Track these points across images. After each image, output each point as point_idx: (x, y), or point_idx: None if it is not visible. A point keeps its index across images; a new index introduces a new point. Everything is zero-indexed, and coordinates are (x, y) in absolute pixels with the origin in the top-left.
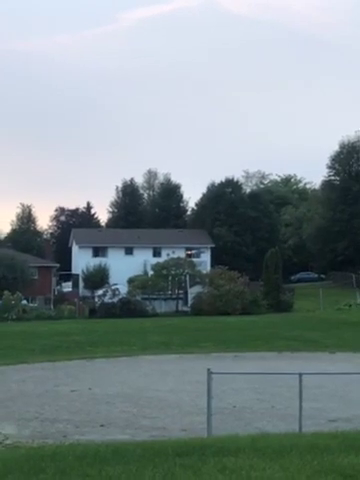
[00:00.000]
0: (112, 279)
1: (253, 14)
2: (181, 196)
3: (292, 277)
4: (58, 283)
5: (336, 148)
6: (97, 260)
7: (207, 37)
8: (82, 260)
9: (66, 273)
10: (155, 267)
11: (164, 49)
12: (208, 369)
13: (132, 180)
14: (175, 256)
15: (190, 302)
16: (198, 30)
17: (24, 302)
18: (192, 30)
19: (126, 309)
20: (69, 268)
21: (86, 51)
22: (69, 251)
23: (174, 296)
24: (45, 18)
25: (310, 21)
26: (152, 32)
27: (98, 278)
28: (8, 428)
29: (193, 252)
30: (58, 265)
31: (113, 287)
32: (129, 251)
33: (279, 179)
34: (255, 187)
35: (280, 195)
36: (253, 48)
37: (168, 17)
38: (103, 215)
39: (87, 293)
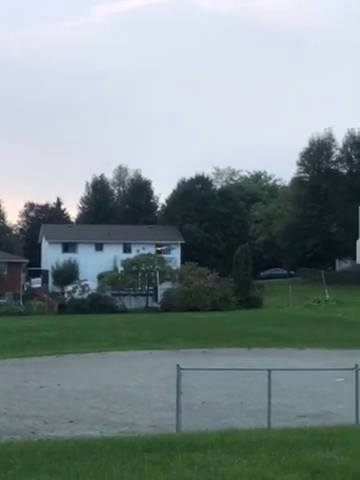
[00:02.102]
0: (82, 275)
1: (224, 10)
2: (151, 192)
3: (262, 273)
4: (27, 279)
5: (306, 145)
6: (67, 256)
7: (178, 33)
8: (52, 256)
9: (35, 269)
10: (125, 263)
11: (134, 45)
12: (177, 365)
13: (102, 176)
14: (145, 252)
15: (160, 298)
16: (169, 26)
17: None
18: (163, 26)
19: (96, 305)
20: (38, 264)
21: (57, 45)
22: (39, 247)
23: (144, 292)
24: (16, 10)
25: (281, 19)
26: (123, 27)
27: (68, 274)
28: None
29: (163, 248)
30: (27, 261)
31: (83, 283)
32: (99, 247)
33: (249, 176)
34: (225, 184)
35: (250, 192)
36: (222, 45)
37: (139, 12)
38: (73, 211)
39: (57, 289)
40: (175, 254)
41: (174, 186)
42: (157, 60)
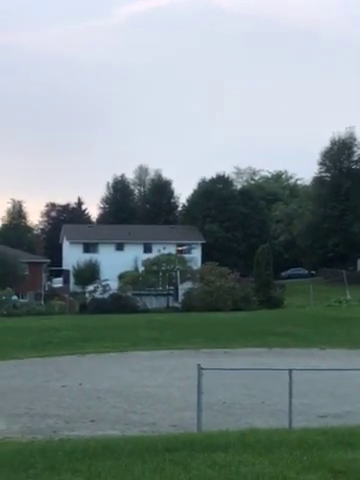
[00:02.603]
0: (103, 275)
1: (247, 9)
2: (172, 192)
3: (283, 273)
4: (49, 279)
5: (327, 144)
6: (88, 256)
7: (200, 33)
8: (73, 256)
9: (57, 269)
10: (146, 263)
11: (157, 44)
12: (198, 365)
13: (123, 176)
14: (166, 252)
15: (181, 298)
16: (191, 26)
17: (15, 298)
18: (185, 26)
19: (117, 305)
20: (60, 264)
21: (79, 46)
22: (60, 247)
23: (165, 292)
24: (38, 11)
25: (307, 17)
26: (145, 27)
27: (89, 274)
28: None
29: (184, 248)
30: (49, 261)
31: (104, 283)
32: (120, 247)
33: (270, 175)
34: (246, 183)
35: (271, 191)
36: (246, 44)
37: (162, 12)
38: (94, 211)
39: (78, 289)
40: (196, 254)
41: (195, 186)
42: (177, 59)
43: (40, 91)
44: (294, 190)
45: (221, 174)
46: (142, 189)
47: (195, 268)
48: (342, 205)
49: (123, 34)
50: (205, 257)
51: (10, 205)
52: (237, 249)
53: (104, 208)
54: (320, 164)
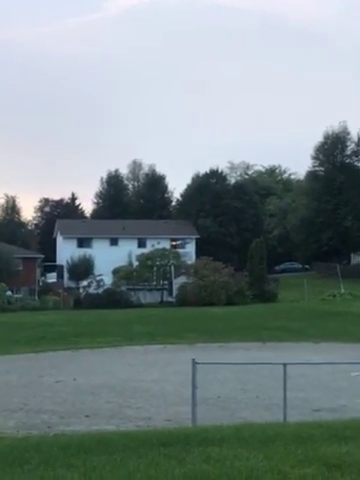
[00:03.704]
0: (97, 270)
1: (241, 3)
2: (166, 187)
3: (276, 267)
4: (43, 274)
5: (320, 139)
6: (82, 251)
7: (192, 26)
8: (67, 251)
9: (51, 264)
10: (140, 258)
11: (148, 39)
12: (193, 359)
13: (117, 171)
14: (160, 247)
15: (175, 293)
16: (185, 19)
17: (9, 293)
18: (178, 19)
19: (111, 300)
20: (54, 259)
21: (72, 41)
22: (54, 242)
23: (159, 287)
24: (28, 7)
25: (301, 12)
26: (138, 21)
27: (83, 269)
28: None
29: (178, 243)
30: (43, 256)
31: (98, 278)
32: (114, 242)
33: (264, 170)
34: (240, 178)
35: (265, 186)
36: (239, 38)
37: (155, 5)
38: (88, 206)
39: (72, 284)
40: (190, 248)
41: (188, 181)
42: (170, 54)
43: (34, 87)
44: (288, 184)
45: (215, 169)
46: (136, 184)
47: (189, 263)
48: (336, 199)
49: (116, 29)
50: (199, 252)
51: (3, 200)
52: (231, 243)
53: (98, 203)
54: (313, 158)
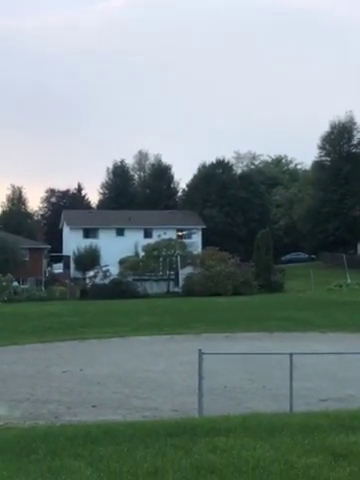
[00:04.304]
0: (103, 260)
1: None
2: (172, 177)
3: (283, 258)
4: (49, 265)
5: (327, 129)
6: (88, 241)
7: (198, 17)
8: (73, 241)
9: (57, 255)
10: (146, 248)
11: (154, 29)
12: (199, 350)
13: (123, 161)
14: (166, 237)
15: (181, 283)
16: (189, 11)
17: (15, 284)
18: (183, 9)
19: (117, 290)
20: (60, 249)
21: (78, 30)
22: (60, 233)
23: (165, 277)
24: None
25: (307, 0)
26: (144, 11)
27: (89, 259)
28: None
29: (184, 233)
30: (49, 247)
31: (104, 268)
32: (120, 232)
33: (270, 160)
34: (246, 168)
35: (271, 176)
36: (245, 27)
37: None
38: (94, 196)
39: (78, 274)
40: (196, 239)
41: (194, 171)
42: (176, 44)
43: (40, 77)
44: (294, 174)
45: (221, 159)
46: (142, 174)
47: (195, 253)
48: (342, 189)
49: (122, 19)
50: (205, 242)
51: (10, 191)
52: (237, 234)
53: (104, 194)
54: (320, 148)
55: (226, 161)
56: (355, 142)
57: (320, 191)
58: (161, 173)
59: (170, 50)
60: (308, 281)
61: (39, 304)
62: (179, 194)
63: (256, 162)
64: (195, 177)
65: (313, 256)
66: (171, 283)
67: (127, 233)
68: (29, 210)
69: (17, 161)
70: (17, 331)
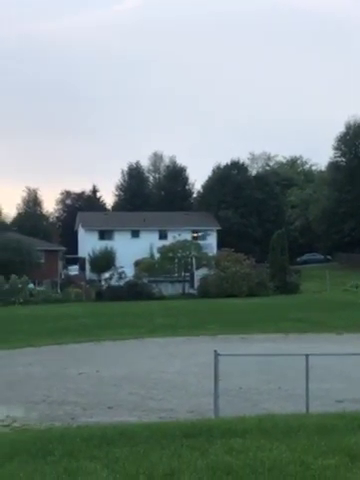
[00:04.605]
0: (118, 262)
1: None
2: (187, 179)
3: (298, 259)
4: (65, 266)
5: (342, 129)
6: (103, 243)
7: (212, 15)
8: (88, 243)
9: (72, 256)
10: (161, 250)
11: (168, 29)
12: (215, 351)
13: (138, 163)
14: (181, 239)
15: (196, 284)
16: (203, 9)
17: (31, 286)
18: (196, 9)
19: (133, 292)
20: (75, 251)
21: (92, 32)
22: (75, 234)
23: (180, 279)
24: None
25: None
26: (157, 12)
27: (104, 261)
28: (16, 411)
29: (199, 234)
30: (64, 248)
31: (119, 270)
32: (135, 234)
33: (285, 161)
34: (261, 169)
35: (286, 177)
36: (260, 26)
37: None
38: (109, 198)
39: (94, 276)
40: (211, 240)
41: (209, 172)
42: (189, 44)
43: (55, 79)
44: (309, 175)
45: (236, 160)
46: (157, 176)
47: (210, 254)
48: (357, 189)
49: (136, 20)
50: (220, 243)
51: (25, 193)
52: (252, 235)
53: (119, 195)
54: (335, 149)
55: (241, 162)
56: None
57: (335, 192)
58: (176, 175)
59: (185, 49)
60: (324, 282)
61: (55, 306)
62: (194, 195)
63: (271, 163)
64: (210, 178)
65: (329, 257)
66: (186, 284)
67: (142, 235)
68: (44, 212)
69: (32, 163)
70: (33, 333)
